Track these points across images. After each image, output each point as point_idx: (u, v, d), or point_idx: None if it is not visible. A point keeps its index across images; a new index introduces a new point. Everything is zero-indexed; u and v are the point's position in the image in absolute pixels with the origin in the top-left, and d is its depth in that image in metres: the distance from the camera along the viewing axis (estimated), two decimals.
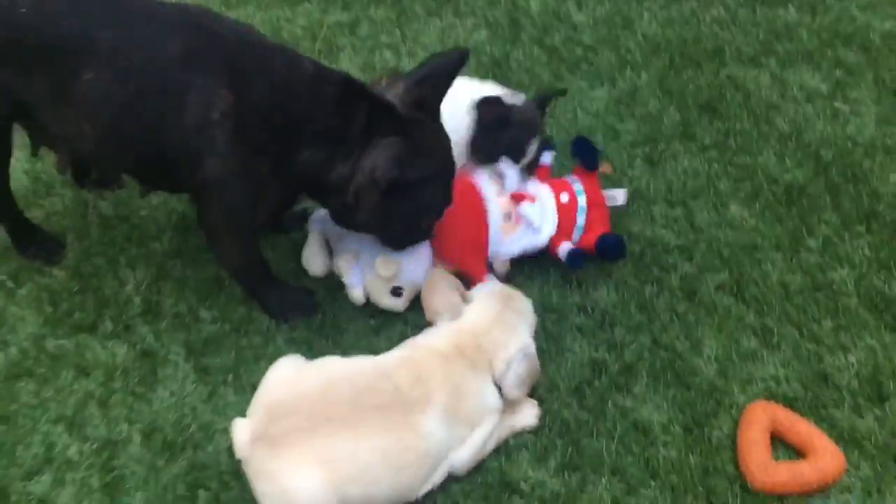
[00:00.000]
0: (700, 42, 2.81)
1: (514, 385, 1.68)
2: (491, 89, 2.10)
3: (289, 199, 1.91)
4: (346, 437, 1.51)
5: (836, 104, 2.57)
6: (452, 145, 1.85)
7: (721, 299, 2.05)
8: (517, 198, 2.03)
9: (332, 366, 1.64)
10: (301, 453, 1.48)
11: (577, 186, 2.06)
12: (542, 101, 2.15)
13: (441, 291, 1.80)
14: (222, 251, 1.91)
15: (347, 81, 1.71)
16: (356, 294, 1.93)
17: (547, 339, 1.94)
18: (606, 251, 2.00)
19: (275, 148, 1.72)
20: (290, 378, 1.60)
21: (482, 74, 2.65)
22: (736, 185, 2.33)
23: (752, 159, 2.40)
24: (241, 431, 1.52)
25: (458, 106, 1.96)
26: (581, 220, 2.04)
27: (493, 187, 2.00)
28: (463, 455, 1.64)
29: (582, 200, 2.04)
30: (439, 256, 1.98)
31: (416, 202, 1.79)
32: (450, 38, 2.82)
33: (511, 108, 2.02)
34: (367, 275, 1.90)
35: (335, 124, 1.71)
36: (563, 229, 2.03)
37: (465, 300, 1.81)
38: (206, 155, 1.69)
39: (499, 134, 2.00)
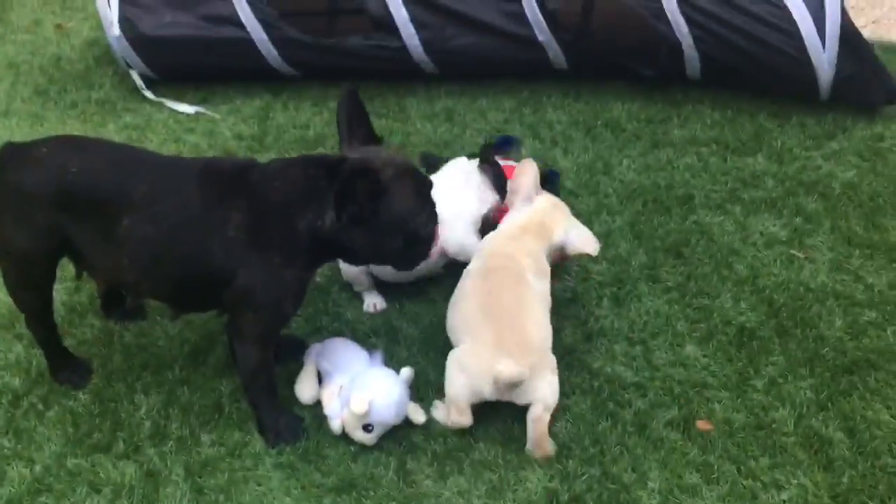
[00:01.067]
0: (672, 188, 3.09)
1: (578, 242, 2.42)
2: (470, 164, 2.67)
3: (305, 281, 2.14)
4: (526, 309, 2.23)
5: (793, 251, 2.81)
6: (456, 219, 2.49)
7: (669, 435, 2.26)
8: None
9: (462, 291, 2.33)
10: (533, 341, 2.20)
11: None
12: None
13: (528, 175, 2.44)
14: (246, 355, 2.15)
15: (304, 159, 2.12)
16: (334, 425, 2.18)
17: (506, 467, 2.16)
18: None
19: (280, 239, 2.02)
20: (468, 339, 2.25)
21: None
22: (693, 325, 2.56)
23: (709, 301, 2.64)
24: (509, 369, 2.08)
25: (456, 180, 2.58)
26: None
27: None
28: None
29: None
30: None
31: (393, 214, 2.00)
32: None
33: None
34: (345, 408, 2.16)
35: (313, 189, 2.01)
36: None
37: (538, 192, 2.49)
38: (233, 267, 2.02)
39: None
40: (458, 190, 2.55)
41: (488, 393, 2.15)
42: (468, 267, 2.38)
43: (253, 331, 2.11)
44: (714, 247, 2.84)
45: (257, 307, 2.07)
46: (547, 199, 2.50)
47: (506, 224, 2.45)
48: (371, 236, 2.02)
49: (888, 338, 2.50)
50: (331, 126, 3.45)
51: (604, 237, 2.88)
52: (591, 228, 2.87)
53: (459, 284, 2.36)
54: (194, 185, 2.06)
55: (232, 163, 2.31)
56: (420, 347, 2.49)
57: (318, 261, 2.16)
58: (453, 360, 2.21)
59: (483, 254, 2.38)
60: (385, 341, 2.52)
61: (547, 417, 2.17)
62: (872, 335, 2.51)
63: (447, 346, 2.30)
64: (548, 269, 2.38)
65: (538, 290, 2.30)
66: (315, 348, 2.39)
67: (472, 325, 2.22)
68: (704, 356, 2.47)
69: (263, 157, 3.21)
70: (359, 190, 1.92)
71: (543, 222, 2.41)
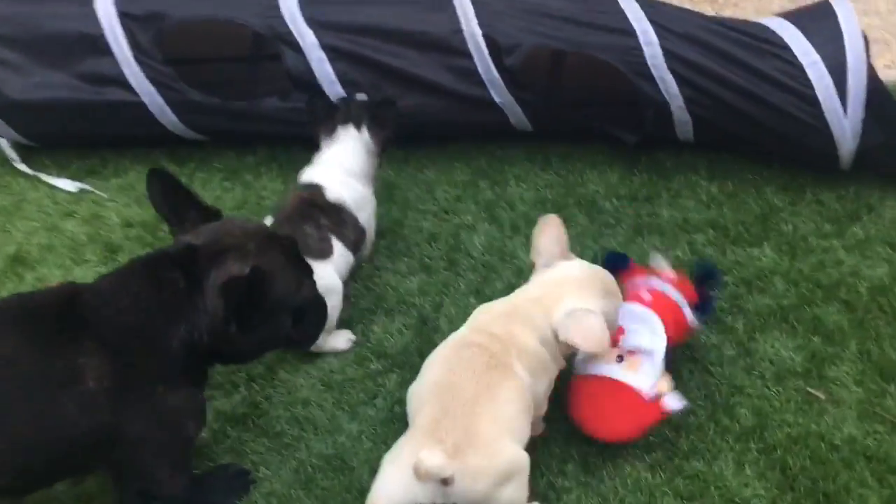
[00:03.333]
0: None
1: (570, 331, 1.86)
2: None
3: (199, 395, 1.85)
4: (491, 404, 1.75)
5: (810, 389, 2.21)
6: None
7: None
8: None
9: (431, 359, 1.90)
10: (485, 436, 1.70)
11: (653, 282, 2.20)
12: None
13: (548, 235, 2.03)
14: (166, 491, 1.84)
15: (143, 263, 1.76)
16: None
17: None
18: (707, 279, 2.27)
19: (155, 366, 1.70)
20: (421, 417, 1.77)
21: (407, 336, 2.37)
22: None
23: (705, 466, 2.04)
24: (434, 456, 1.61)
25: None
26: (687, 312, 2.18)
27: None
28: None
29: (667, 290, 2.18)
30: None
31: (277, 297, 1.77)
32: (377, 285, 2.54)
33: None
34: None
35: (175, 298, 1.71)
36: (671, 323, 2.12)
37: (564, 256, 2.03)
38: (112, 422, 1.65)
39: None
40: None
41: (416, 492, 1.65)
42: (453, 333, 1.97)
43: (164, 471, 1.81)
44: (711, 382, 2.23)
45: (159, 450, 1.77)
46: (565, 268, 2.02)
47: (511, 295, 2.04)
48: (260, 331, 1.77)
49: None
50: (245, 207, 2.83)
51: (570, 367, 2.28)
52: None
53: (435, 350, 1.94)
54: (11, 339, 1.60)
55: (49, 295, 1.75)
56: None
57: (203, 371, 1.86)
58: (390, 450, 1.79)
59: (469, 323, 1.98)
60: None
61: None
62: None
63: None
64: (559, 362, 1.98)
65: (525, 385, 1.84)
66: None
67: (420, 406, 1.81)
68: None
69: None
70: (242, 291, 1.66)
71: (540, 298, 1.95)
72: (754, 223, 2.72)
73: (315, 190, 2.41)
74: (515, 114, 2.85)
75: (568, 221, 2.70)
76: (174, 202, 1.84)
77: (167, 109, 2.82)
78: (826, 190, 2.83)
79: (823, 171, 2.85)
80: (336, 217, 2.38)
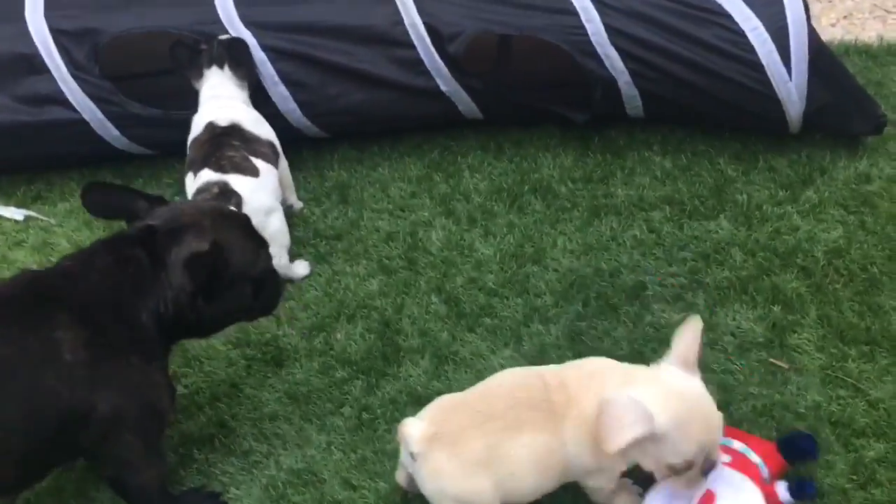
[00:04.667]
0: (619, 275, 2.48)
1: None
2: None
3: (166, 371, 1.90)
4: (506, 436, 1.67)
5: (773, 360, 2.22)
6: None
7: None
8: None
9: (513, 369, 1.86)
10: (472, 453, 1.66)
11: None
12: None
13: (685, 340, 1.74)
14: (142, 484, 1.85)
15: (105, 244, 1.80)
16: None
17: None
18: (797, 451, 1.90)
19: (128, 339, 1.74)
20: (451, 396, 1.83)
21: (370, 341, 2.35)
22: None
23: None
24: (414, 428, 1.69)
25: None
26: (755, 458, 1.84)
27: None
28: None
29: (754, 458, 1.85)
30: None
31: (236, 268, 1.83)
32: (337, 290, 2.52)
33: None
34: None
35: (141, 275, 1.76)
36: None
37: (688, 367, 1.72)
38: (87, 395, 1.67)
39: None
40: None
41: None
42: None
43: (139, 452, 1.81)
44: None
45: (134, 424, 1.77)
46: (672, 376, 1.71)
47: (610, 364, 1.85)
48: (222, 303, 1.85)
49: None
50: None
51: (536, 357, 2.28)
52: (519, 343, 2.32)
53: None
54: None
55: (11, 282, 1.79)
56: None
57: (168, 346, 1.90)
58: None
59: (557, 366, 1.88)
60: None
61: None
62: (883, 479, 1.94)
63: None
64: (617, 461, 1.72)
65: (557, 449, 1.71)
66: None
67: (466, 391, 1.85)
68: None
69: None
70: (205, 265, 1.75)
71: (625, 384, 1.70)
72: (709, 196, 2.72)
73: (211, 126, 2.56)
74: (463, 101, 2.82)
75: (524, 209, 2.72)
76: (119, 203, 1.88)
77: (108, 124, 2.77)
78: (778, 156, 2.84)
79: (774, 137, 2.86)
80: (241, 136, 2.53)
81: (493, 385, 1.82)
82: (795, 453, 1.90)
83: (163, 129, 2.81)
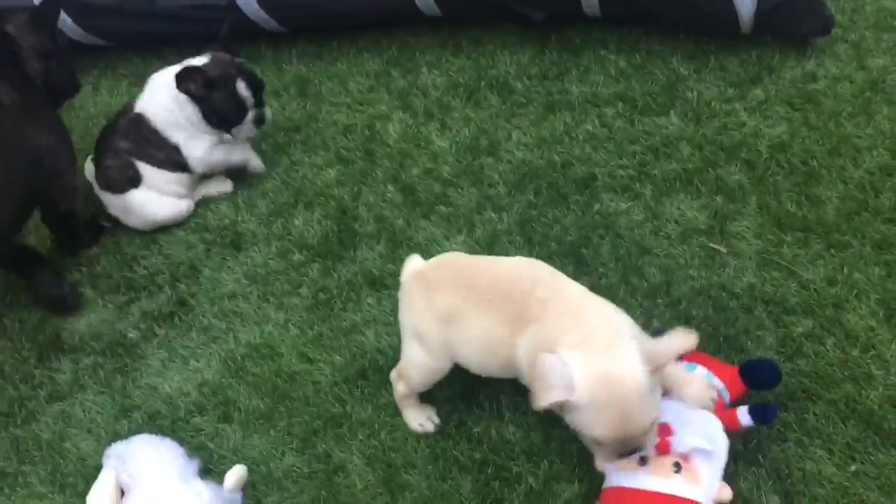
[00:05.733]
0: (571, 167, 2.55)
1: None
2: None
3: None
4: (471, 308, 1.75)
5: (713, 244, 2.33)
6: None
7: None
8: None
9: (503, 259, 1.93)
10: (439, 305, 1.78)
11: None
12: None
13: (671, 345, 1.62)
14: (76, 206, 2.34)
15: None
16: None
17: None
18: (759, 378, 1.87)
19: (35, 91, 2.26)
20: (462, 255, 1.96)
21: (327, 227, 2.41)
22: None
23: None
24: (412, 262, 1.90)
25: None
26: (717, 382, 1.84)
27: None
28: None
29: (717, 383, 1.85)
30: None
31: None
32: (295, 179, 2.56)
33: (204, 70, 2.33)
34: None
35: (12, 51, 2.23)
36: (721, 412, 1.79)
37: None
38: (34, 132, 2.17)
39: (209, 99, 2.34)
40: None
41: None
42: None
43: (71, 179, 2.30)
44: (621, 246, 2.34)
45: (63, 154, 2.26)
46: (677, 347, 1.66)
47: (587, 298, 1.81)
48: (60, 61, 2.36)
49: (826, 354, 2.06)
50: None
51: (488, 242, 2.36)
52: (472, 230, 2.40)
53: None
54: None
55: None
56: (263, 423, 1.98)
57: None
58: None
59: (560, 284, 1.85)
60: (216, 418, 2.00)
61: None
62: (809, 352, 2.07)
63: (294, 428, 1.79)
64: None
65: (505, 340, 1.74)
66: (116, 449, 1.85)
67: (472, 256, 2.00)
68: None
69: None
70: (44, 19, 2.31)
71: (588, 333, 1.66)
72: (661, 93, 2.78)
73: None
74: None
75: (480, 104, 2.77)
76: None
77: (63, 14, 2.73)
78: (729, 55, 2.90)
79: (727, 38, 2.91)
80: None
81: (495, 263, 1.88)
82: (757, 381, 1.89)
83: (117, 19, 2.78)
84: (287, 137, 2.69)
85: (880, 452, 1.88)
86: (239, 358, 2.12)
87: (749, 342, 2.10)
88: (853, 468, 1.86)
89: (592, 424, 1.58)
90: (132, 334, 2.17)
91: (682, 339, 1.64)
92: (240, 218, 2.45)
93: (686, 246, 2.33)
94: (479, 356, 1.82)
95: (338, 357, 2.11)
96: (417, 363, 1.87)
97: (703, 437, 1.70)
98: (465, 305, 1.77)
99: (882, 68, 2.77)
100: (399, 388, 1.92)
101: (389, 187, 2.52)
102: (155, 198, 2.37)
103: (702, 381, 1.81)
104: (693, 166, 2.54)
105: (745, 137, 2.62)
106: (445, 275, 1.83)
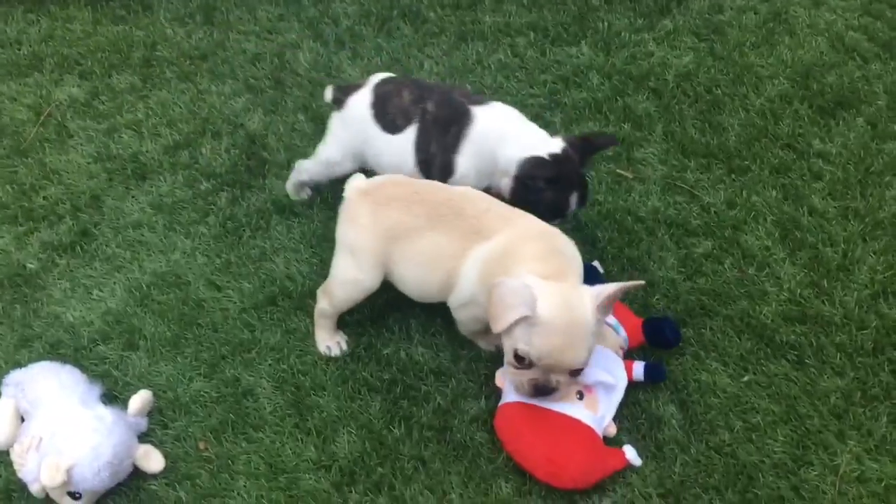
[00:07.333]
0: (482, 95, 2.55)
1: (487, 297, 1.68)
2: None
3: None
4: (422, 223, 1.78)
5: (619, 170, 2.38)
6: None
7: (474, 434, 1.86)
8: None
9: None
10: (386, 220, 1.80)
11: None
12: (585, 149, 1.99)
13: (618, 288, 1.66)
14: None
15: None
16: (34, 489, 1.66)
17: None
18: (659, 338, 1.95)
19: None
20: (409, 177, 1.93)
21: (235, 156, 2.37)
22: None
23: None
24: (356, 180, 1.88)
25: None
26: (622, 333, 1.95)
27: None
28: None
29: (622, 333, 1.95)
30: None
31: None
32: (202, 108, 2.50)
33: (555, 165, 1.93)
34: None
35: None
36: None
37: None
38: None
39: (540, 195, 1.94)
40: None
41: None
42: None
43: None
44: None
45: None
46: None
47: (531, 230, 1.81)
48: None
49: (724, 272, 2.14)
50: (51, 42, 2.67)
51: None
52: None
53: None
54: None
55: None
56: (170, 350, 1.96)
57: None
58: None
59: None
60: (120, 345, 1.97)
61: None
62: (707, 271, 2.15)
63: (201, 354, 1.78)
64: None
65: (456, 254, 1.80)
66: (14, 377, 1.81)
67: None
68: None
69: None
70: None
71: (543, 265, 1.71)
72: (572, 23, 2.80)
73: None
74: None
75: (392, 33, 2.74)
76: None
77: None
78: None
79: None
80: None
81: (448, 187, 1.87)
82: (657, 340, 1.96)
83: None
84: (193, 66, 2.61)
85: (771, 363, 1.98)
86: (144, 287, 2.08)
87: (652, 263, 2.17)
88: (746, 378, 1.95)
89: (538, 342, 1.61)
90: (32, 265, 2.11)
91: (629, 284, 1.69)
92: (144, 147, 2.38)
93: (593, 172, 2.37)
94: (421, 272, 1.84)
95: (247, 284, 2.09)
96: (347, 278, 1.88)
97: (609, 373, 1.83)
98: (417, 221, 1.80)
99: (786, 0, 2.84)
100: (322, 304, 1.93)
101: (300, 116, 2.48)
102: None
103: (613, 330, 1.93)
104: (602, 95, 2.58)
105: (652, 67, 2.67)
106: (398, 191, 1.84)
